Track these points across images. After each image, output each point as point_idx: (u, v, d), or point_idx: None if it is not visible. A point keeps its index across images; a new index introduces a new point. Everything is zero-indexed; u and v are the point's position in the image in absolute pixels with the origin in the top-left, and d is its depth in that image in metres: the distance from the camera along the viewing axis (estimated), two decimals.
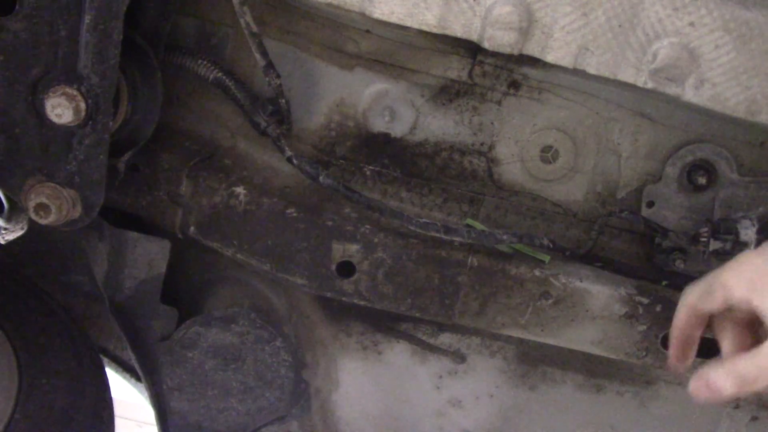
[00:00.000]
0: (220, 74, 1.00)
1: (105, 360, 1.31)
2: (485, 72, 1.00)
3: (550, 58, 0.88)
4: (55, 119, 0.85)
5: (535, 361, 1.16)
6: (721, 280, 0.77)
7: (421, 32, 0.89)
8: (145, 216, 1.08)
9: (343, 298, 1.03)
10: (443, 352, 1.15)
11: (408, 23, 0.87)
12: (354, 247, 1.01)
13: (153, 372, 1.13)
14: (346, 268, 1.02)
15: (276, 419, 1.18)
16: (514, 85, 1.01)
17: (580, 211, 1.07)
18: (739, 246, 0.95)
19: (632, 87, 0.89)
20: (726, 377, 0.75)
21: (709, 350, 1.06)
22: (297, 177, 1.04)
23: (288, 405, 1.17)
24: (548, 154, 1.04)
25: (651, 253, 1.07)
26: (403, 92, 1.02)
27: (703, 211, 1.03)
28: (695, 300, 0.82)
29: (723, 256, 0.96)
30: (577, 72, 0.89)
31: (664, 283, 1.04)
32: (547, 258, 1.03)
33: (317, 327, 1.15)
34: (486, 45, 0.87)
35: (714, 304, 0.79)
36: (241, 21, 0.90)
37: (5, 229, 1.09)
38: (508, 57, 0.90)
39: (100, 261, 1.07)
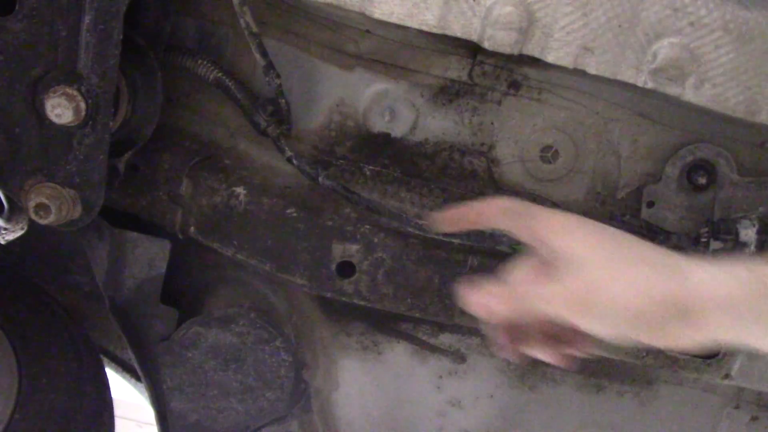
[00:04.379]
0: (220, 74, 1.00)
1: (105, 360, 1.31)
2: (485, 72, 1.00)
3: (550, 58, 0.88)
4: (55, 119, 0.85)
5: (535, 361, 1.16)
6: (532, 305, 0.71)
7: (421, 32, 0.89)
8: (145, 216, 1.08)
9: (343, 298, 1.03)
10: (443, 352, 1.15)
11: (408, 23, 0.87)
12: (354, 247, 1.01)
13: (153, 372, 1.13)
14: (346, 268, 1.02)
15: (276, 419, 1.18)
16: (514, 85, 1.01)
17: (580, 211, 1.07)
18: (740, 246, 0.95)
19: (632, 87, 0.89)
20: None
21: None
22: (297, 177, 1.04)
23: (288, 405, 1.16)
24: (548, 154, 1.04)
25: None
26: (403, 92, 1.02)
27: (703, 212, 1.03)
28: (494, 211, 0.78)
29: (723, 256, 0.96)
30: (577, 72, 0.89)
31: None
32: None
33: (317, 327, 1.15)
34: (486, 45, 0.87)
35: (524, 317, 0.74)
36: (241, 21, 0.90)
37: (5, 229, 1.09)
38: (508, 57, 0.90)
39: (100, 261, 1.07)
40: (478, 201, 0.80)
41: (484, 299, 0.74)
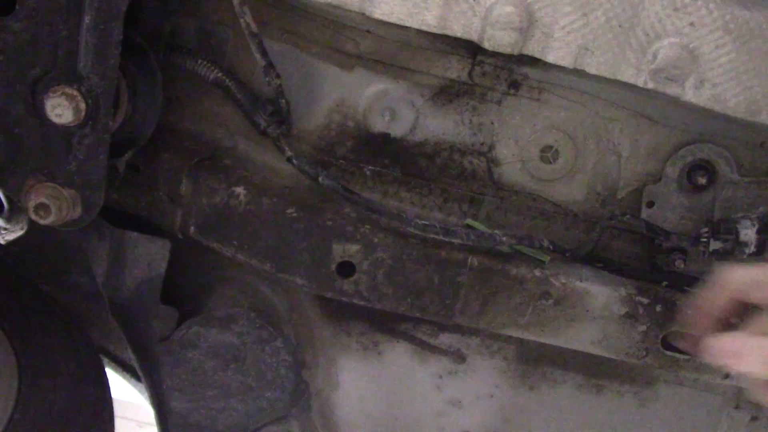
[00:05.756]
0: (220, 74, 1.00)
1: (105, 360, 1.31)
2: (485, 72, 1.00)
3: (550, 58, 0.88)
4: (55, 119, 0.85)
5: (535, 361, 1.16)
6: None
7: (421, 32, 0.89)
8: (145, 216, 1.08)
9: (343, 298, 1.03)
10: (443, 352, 1.15)
11: (408, 23, 0.87)
12: (354, 247, 1.01)
13: (153, 372, 1.13)
14: (346, 268, 1.02)
15: (276, 419, 1.18)
16: (514, 85, 1.01)
17: (580, 211, 1.07)
18: (739, 246, 0.95)
19: (632, 87, 0.90)
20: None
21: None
22: (297, 177, 1.04)
23: (288, 405, 1.17)
24: (548, 154, 1.04)
25: (652, 254, 1.07)
26: (403, 92, 1.02)
27: (704, 212, 1.03)
28: (742, 285, 0.74)
29: (723, 257, 0.96)
30: (577, 72, 0.89)
31: (664, 283, 1.04)
32: (546, 258, 1.03)
33: (317, 327, 1.15)
34: (486, 45, 0.87)
35: (763, 299, 0.71)
36: (241, 21, 0.90)
37: (5, 229, 1.09)
38: (508, 57, 0.90)
39: (100, 261, 1.07)
40: (713, 289, 0.76)
41: (738, 348, 0.69)
